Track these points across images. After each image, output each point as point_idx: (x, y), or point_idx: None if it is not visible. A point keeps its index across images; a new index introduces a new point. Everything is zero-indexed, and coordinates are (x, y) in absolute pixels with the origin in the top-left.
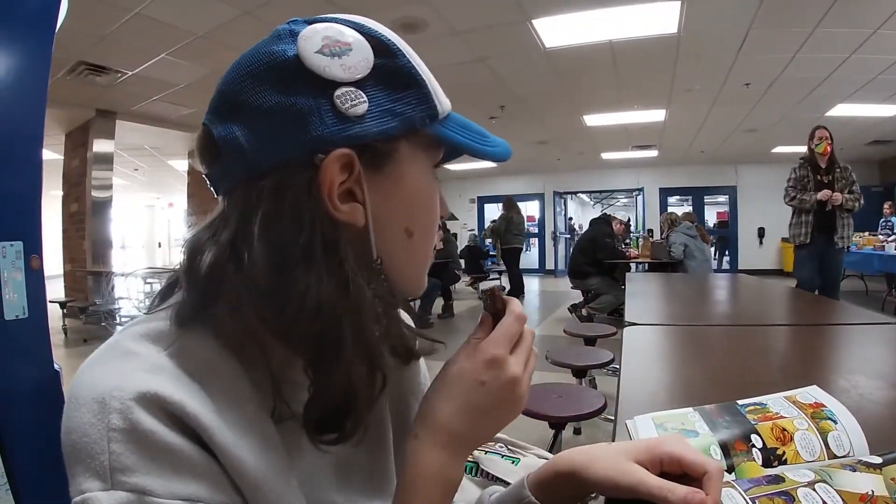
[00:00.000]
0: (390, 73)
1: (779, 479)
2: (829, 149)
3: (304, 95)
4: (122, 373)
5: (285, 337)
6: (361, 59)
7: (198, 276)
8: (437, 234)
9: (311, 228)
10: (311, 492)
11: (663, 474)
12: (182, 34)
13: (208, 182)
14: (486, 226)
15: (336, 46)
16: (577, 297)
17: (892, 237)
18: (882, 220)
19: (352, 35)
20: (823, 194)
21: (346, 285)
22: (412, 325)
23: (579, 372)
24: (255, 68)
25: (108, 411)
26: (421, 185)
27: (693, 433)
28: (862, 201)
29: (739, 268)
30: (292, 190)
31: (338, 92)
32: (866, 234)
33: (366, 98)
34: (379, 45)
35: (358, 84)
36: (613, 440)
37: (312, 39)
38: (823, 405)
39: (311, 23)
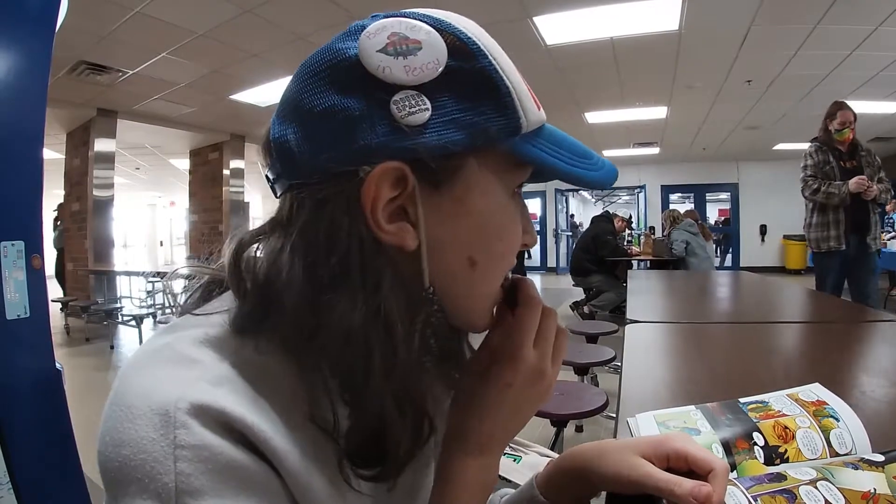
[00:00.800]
0: (464, 78)
1: (781, 478)
2: (852, 136)
3: (357, 99)
4: (184, 382)
5: (311, 359)
6: (431, 60)
7: (252, 283)
8: (511, 262)
9: (346, 247)
10: None
11: (669, 470)
12: (182, 33)
13: (269, 184)
14: None
15: (403, 44)
16: (578, 294)
17: (892, 235)
18: (885, 217)
19: (425, 31)
20: (857, 184)
21: (378, 314)
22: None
23: (581, 369)
24: (316, 67)
25: (175, 426)
26: (492, 208)
27: (695, 431)
28: (893, 192)
29: (741, 265)
30: (332, 203)
31: (396, 97)
32: None
33: (429, 105)
34: (456, 44)
35: (422, 89)
36: (615, 437)
37: (377, 36)
38: (826, 403)
39: (388, 17)
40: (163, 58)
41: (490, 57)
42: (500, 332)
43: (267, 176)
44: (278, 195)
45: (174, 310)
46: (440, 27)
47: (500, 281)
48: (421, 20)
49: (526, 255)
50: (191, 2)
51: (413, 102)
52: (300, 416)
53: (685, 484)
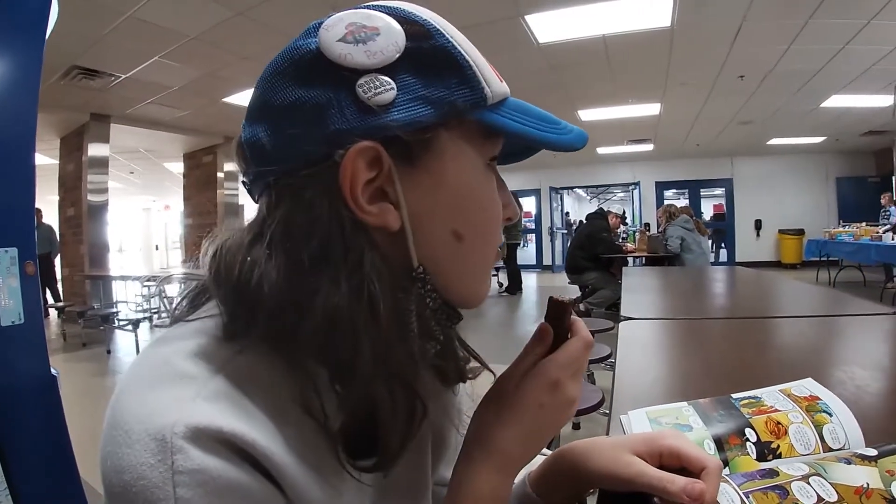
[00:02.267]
0: (425, 56)
1: (773, 473)
2: None
3: (323, 88)
4: (180, 403)
5: (299, 353)
6: (390, 44)
7: (232, 284)
8: (498, 236)
9: (327, 231)
10: None
11: (661, 468)
12: (175, 36)
13: (246, 189)
14: None
15: (361, 32)
16: (574, 292)
17: (886, 227)
18: (882, 210)
19: (381, 18)
20: None
21: (362, 293)
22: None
23: None
24: (279, 66)
25: (171, 452)
26: (468, 179)
27: (687, 427)
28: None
29: (737, 260)
30: (310, 189)
31: (361, 80)
32: (864, 224)
33: (394, 85)
34: (413, 28)
35: (385, 70)
36: (608, 434)
37: (335, 28)
38: (819, 398)
39: (343, 11)
40: (155, 61)
41: (447, 35)
42: (541, 349)
43: (243, 181)
44: (256, 198)
45: (167, 316)
46: (394, 13)
47: (491, 253)
48: (375, 10)
49: (520, 253)
50: (183, 5)
51: (378, 83)
52: (295, 417)
53: (678, 481)
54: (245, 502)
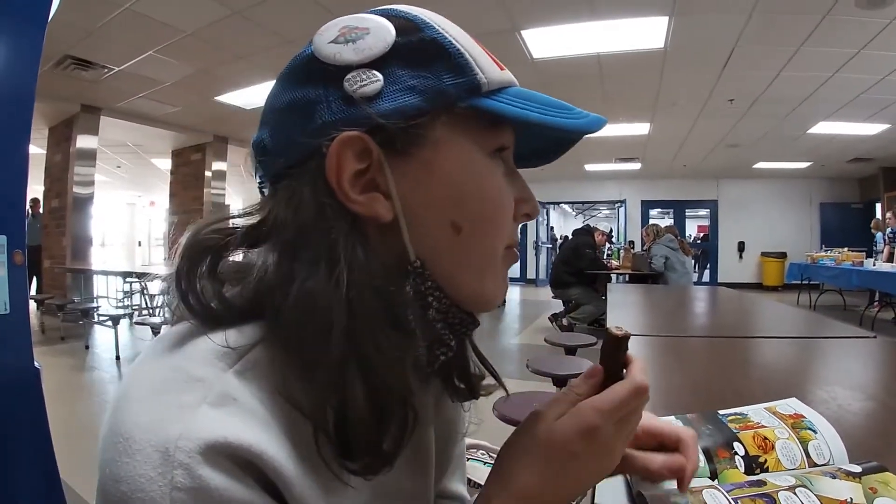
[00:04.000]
0: (414, 49)
1: (761, 483)
2: None
3: (315, 87)
4: (184, 411)
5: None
6: (379, 40)
7: (236, 278)
8: (504, 229)
9: (312, 219)
10: None
11: (638, 449)
12: (171, 31)
13: (259, 191)
14: None
15: (352, 33)
16: (557, 306)
17: (877, 255)
18: (889, 230)
19: (373, 19)
20: None
21: (339, 282)
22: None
23: (559, 381)
24: (282, 73)
25: (173, 466)
26: (465, 169)
27: None
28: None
29: (719, 281)
30: (300, 182)
31: (348, 76)
32: (845, 249)
33: (380, 77)
34: (403, 23)
35: (373, 65)
36: None
37: (328, 31)
38: (803, 416)
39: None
40: (149, 56)
41: (437, 27)
42: (585, 389)
43: (258, 184)
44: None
45: (155, 313)
46: (387, 13)
47: (497, 248)
48: (371, 13)
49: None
50: (181, 1)
51: (364, 77)
52: (300, 421)
53: (657, 458)
54: None
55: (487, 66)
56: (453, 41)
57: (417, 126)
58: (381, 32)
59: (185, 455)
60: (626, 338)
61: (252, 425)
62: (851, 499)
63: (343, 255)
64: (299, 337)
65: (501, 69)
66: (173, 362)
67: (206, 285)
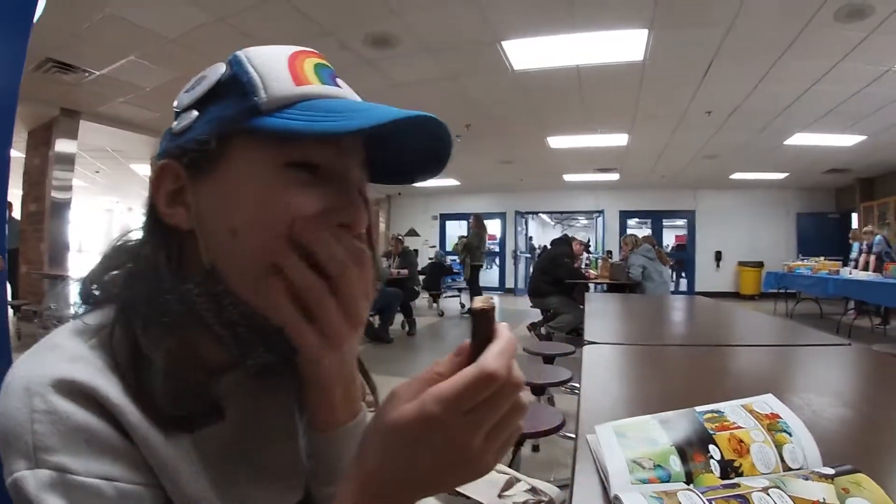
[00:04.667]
0: (223, 85)
1: (735, 486)
2: None
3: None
4: (44, 363)
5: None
6: (206, 84)
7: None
8: (278, 237)
9: (145, 230)
10: (220, 483)
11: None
12: (153, 37)
13: None
14: (448, 243)
15: (196, 81)
16: (536, 315)
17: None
18: (866, 243)
19: (215, 67)
20: None
21: (139, 273)
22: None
23: (538, 389)
24: None
25: (31, 395)
26: (250, 180)
27: (653, 441)
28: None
29: (696, 290)
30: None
31: (178, 116)
32: (822, 258)
33: (195, 114)
34: (229, 64)
35: (196, 104)
36: (574, 455)
37: (189, 83)
38: (779, 416)
39: None
40: (131, 60)
41: (245, 62)
42: (444, 368)
43: None
44: None
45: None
46: (231, 59)
47: (266, 254)
48: (231, 58)
49: (485, 275)
50: (164, 6)
51: (184, 116)
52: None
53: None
54: (92, 441)
55: (277, 86)
56: (249, 70)
57: (212, 149)
58: (212, 77)
59: (41, 387)
60: (489, 310)
61: (93, 373)
62: (824, 499)
63: (153, 258)
64: (122, 321)
65: (300, 83)
66: (47, 339)
67: (104, 280)
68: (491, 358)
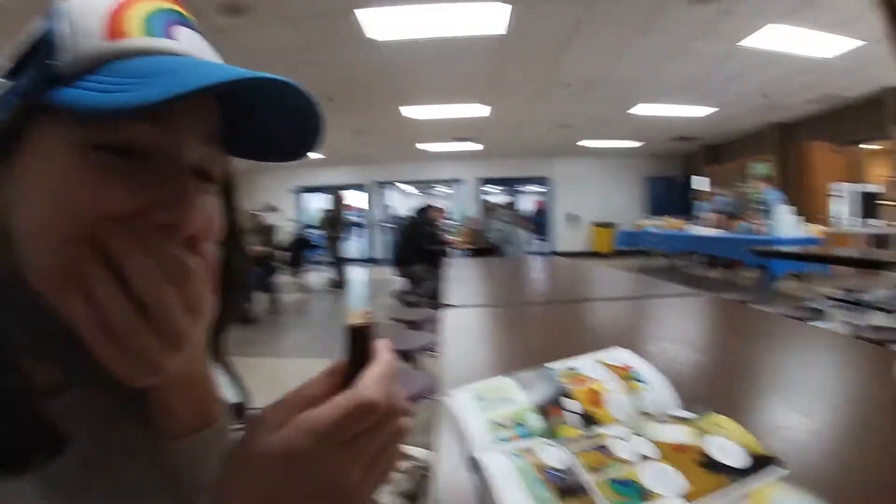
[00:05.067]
0: (37, 46)
1: (595, 437)
2: None
3: None
4: None
5: None
6: (20, 45)
7: None
8: (76, 232)
9: None
10: None
11: None
12: None
13: None
14: (308, 216)
15: (17, 42)
16: (401, 284)
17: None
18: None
19: (37, 24)
20: None
21: None
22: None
23: (406, 355)
24: None
25: None
26: (46, 168)
27: (511, 401)
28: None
29: (557, 251)
30: None
31: None
32: (667, 217)
33: (10, 84)
34: (48, 17)
35: (10, 73)
36: (438, 420)
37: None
38: (631, 367)
39: None
40: None
41: (66, 15)
42: (319, 388)
43: None
44: None
45: None
46: (53, 10)
47: (65, 261)
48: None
49: (347, 247)
50: None
51: None
52: None
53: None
54: None
55: (84, 43)
56: (62, 25)
57: (10, 129)
58: (29, 35)
59: None
60: (367, 327)
61: None
62: (685, 441)
63: None
64: None
65: (114, 37)
66: None
67: None
68: (370, 383)
